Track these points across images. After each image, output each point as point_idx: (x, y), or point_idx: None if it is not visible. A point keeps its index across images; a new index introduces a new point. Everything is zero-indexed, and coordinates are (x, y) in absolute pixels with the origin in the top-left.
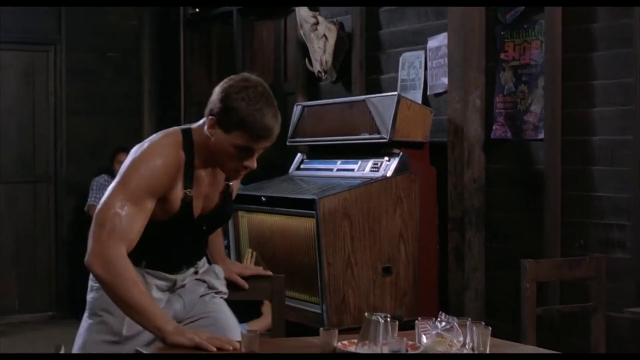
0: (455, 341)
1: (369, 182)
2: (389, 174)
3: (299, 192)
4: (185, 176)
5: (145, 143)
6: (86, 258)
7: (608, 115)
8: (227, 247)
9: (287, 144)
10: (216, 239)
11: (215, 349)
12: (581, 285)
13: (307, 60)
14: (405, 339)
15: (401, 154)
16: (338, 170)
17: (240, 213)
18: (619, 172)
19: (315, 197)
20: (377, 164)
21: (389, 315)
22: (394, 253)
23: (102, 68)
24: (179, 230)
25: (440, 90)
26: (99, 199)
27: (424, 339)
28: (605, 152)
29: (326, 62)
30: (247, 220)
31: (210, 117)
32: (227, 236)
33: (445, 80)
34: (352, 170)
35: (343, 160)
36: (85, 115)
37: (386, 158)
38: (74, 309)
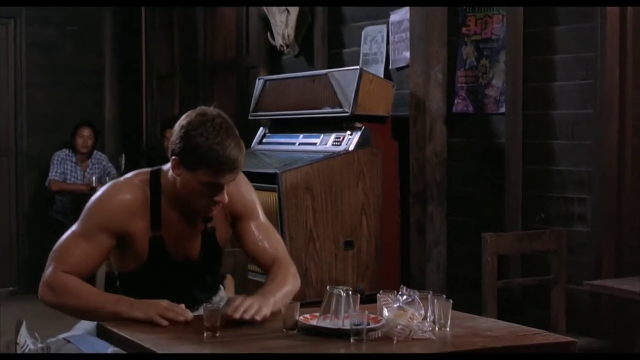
0: (416, 314)
1: (331, 156)
2: (351, 148)
3: (261, 166)
4: (152, 217)
5: (112, 182)
6: (39, 293)
7: (569, 89)
8: None
9: (249, 118)
10: (277, 277)
11: (166, 323)
12: (542, 258)
13: (269, 34)
14: (367, 312)
15: (363, 128)
16: (300, 144)
17: None
18: (580, 146)
19: (278, 171)
20: (339, 138)
21: (350, 289)
22: (356, 227)
23: (63, 41)
24: (165, 275)
25: (402, 65)
26: (60, 173)
27: (386, 312)
28: (566, 126)
29: (288, 36)
30: None
31: (173, 157)
32: None
33: (407, 54)
34: (314, 144)
35: (305, 134)
36: (45, 89)
37: (348, 132)
38: (35, 284)
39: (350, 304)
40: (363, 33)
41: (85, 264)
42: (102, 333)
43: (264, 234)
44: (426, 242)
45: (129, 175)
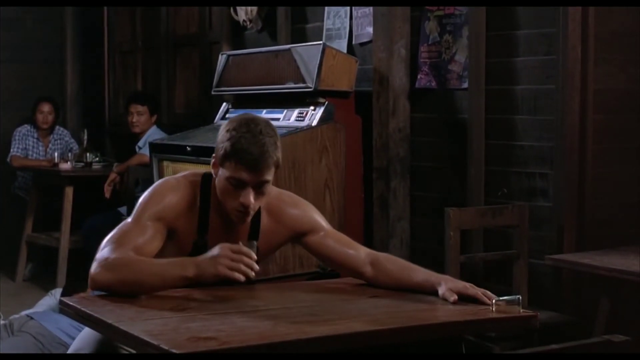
0: None
1: (294, 132)
2: (314, 123)
3: None
4: (200, 220)
5: (164, 179)
6: (92, 275)
7: (531, 65)
8: None
9: (212, 93)
10: (407, 271)
11: (243, 278)
12: (504, 233)
13: (232, 9)
14: None
15: (326, 103)
16: None
17: (165, 163)
18: (542, 121)
19: None
20: (302, 113)
21: None
22: (319, 202)
23: (23, 16)
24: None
25: (366, 40)
26: (22, 149)
27: None
28: (528, 102)
29: (251, 11)
30: (173, 170)
31: (212, 156)
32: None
33: (370, 29)
34: (278, 119)
35: (268, 109)
36: (6, 64)
37: (311, 107)
38: None
39: None
40: (326, 8)
41: (142, 248)
42: (64, 309)
43: (339, 242)
44: (389, 217)
45: (181, 174)
